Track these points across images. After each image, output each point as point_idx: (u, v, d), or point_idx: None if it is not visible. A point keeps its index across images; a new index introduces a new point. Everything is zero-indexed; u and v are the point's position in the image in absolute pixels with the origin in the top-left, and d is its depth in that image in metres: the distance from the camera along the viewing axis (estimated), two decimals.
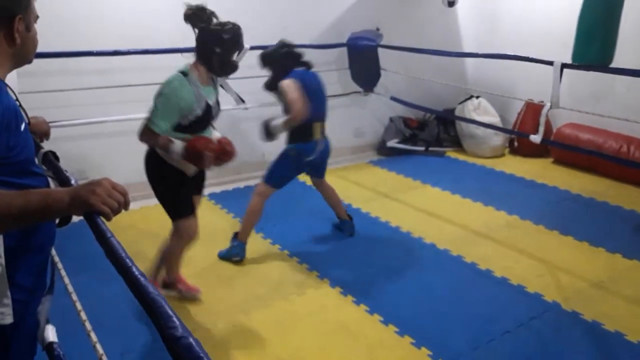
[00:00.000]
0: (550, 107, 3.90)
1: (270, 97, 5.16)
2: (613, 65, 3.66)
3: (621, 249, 3.64)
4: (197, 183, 2.97)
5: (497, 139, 5.77)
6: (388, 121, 6.15)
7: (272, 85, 3.53)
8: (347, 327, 2.86)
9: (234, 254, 3.59)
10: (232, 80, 4.91)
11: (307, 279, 3.35)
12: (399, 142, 6.01)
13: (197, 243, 3.82)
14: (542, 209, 4.38)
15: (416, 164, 5.65)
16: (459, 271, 3.45)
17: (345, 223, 3.98)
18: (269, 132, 3.48)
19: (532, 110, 5.53)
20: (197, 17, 2.66)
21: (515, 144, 5.85)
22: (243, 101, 5.00)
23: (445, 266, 3.53)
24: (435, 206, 4.51)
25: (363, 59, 5.54)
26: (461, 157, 5.90)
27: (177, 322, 0.87)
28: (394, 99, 5.51)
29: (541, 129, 4.16)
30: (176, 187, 2.79)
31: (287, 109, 3.41)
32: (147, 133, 2.64)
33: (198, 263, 3.57)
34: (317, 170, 3.87)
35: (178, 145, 2.62)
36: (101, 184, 1.19)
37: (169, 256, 2.97)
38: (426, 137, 6.08)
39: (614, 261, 3.53)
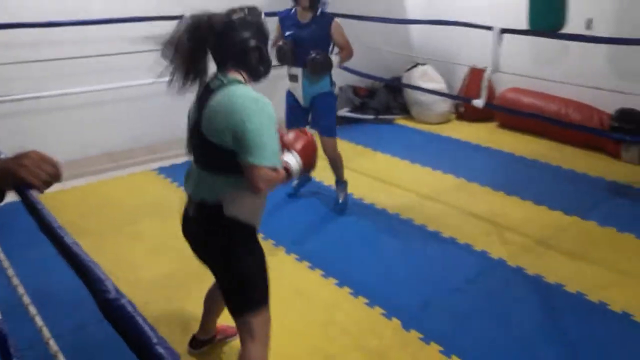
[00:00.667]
0: (491, 72, 4.01)
1: None
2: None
3: (562, 206, 3.83)
4: None
5: (444, 105, 5.88)
6: (337, 90, 6.13)
7: (314, 5, 3.54)
8: (303, 292, 2.89)
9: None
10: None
11: (263, 247, 3.34)
12: (349, 111, 6.03)
13: (150, 218, 3.76)
14: (488, 172, 4.53)
15: (366, 132, 5.70)
16: (409, 233, 3.54)
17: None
18: (322, 67, 3.50)
19: (476, 75, 5.64)
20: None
21: (461, 109, 6.00)
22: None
23: (396, 229, 3.61)
24: (385, 172, 4.58)
25: None
26: (410, 124, 5.99)
27: (110, 286, 0.86)
28: (342, 67, 5.48)
29: (483, 93, 4.28)
30: (260, 259, 1.96)
31: (340, 46, 3.61)
32: (268, 177, 1.72)
33: (152, 239, 3.50)
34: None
35: (292, 159, 1.92)
36: (29, 156, 1.13)
37: None
38: (375, 105, 6.13)
39: (555, 218, 3.71)
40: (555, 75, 4.64)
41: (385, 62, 6.19)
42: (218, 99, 1.75)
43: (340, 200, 3.86)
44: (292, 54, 3.53)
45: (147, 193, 4.22)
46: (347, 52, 3.61)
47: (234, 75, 1.82)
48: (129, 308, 0.82)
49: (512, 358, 2.40)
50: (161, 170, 4.64)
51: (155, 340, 0.75)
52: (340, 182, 3.88)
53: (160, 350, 0.74)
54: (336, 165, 3.82)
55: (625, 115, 4.74)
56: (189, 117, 1.89)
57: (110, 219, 3.71)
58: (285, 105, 3.76)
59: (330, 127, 3.70)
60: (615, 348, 2.46)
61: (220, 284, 1.98)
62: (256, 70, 1.88)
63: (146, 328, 0.77)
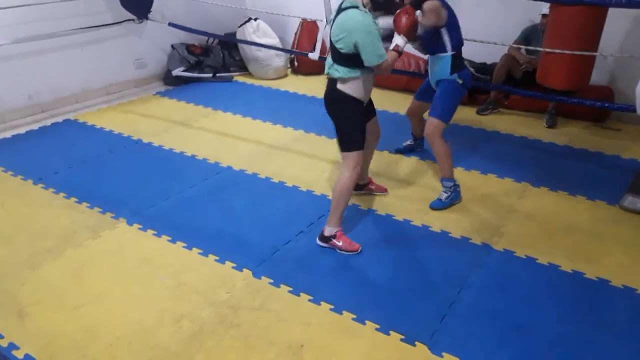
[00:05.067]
0: (326, 25, 4.16)
1: (29, 30, 4.55)
2: None
3: (387, 146, 4.19)
4: (369, 109, 3.09)
5: (279, 60, 5.98)
6: (170, 49, 5.90)
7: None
8: (150, 260, 2.85)
9: (456, 196, 3.42)
10: None
11: (101, 221, 3.20)
12: (185, 71, 5.85)
13: None
14: (323, 122, 4.62)
15: (205, 91, 5.61)
16: (255, 187, 3.64)
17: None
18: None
19: (307, 29, 5.85)
20: None
21: (296, 64, 6.16)
22: None
23: (242, 185, 3.68)
24: (228, 130, 4.59)
25: None
26: (248, 80, 6.02)
27: None
28: (172, 25, 5.27)
29: (318, 45, 4.46)
30: (359, 119, 2.89)
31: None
32: (381, 68, 2.72)
33: None
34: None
35: (396, 39, 2.82)
36: None
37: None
38: (212, 63, 6.02)
39: (383, 157, 4.07)
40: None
41: (216, 17, 6.06)
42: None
43: (441, 198, 3.40)
44: None
45: None
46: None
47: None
48: None
49: (353, 288, 2.66)
50: None
51: None
52: (444, 179, 3.41)
53: None
54: (436, 154, 3.39)
55: None
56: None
57: None
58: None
59: (440, 112, 3.32)
60: (440, 260, 2.87)
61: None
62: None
63: None
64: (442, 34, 3.26)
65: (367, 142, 3.07)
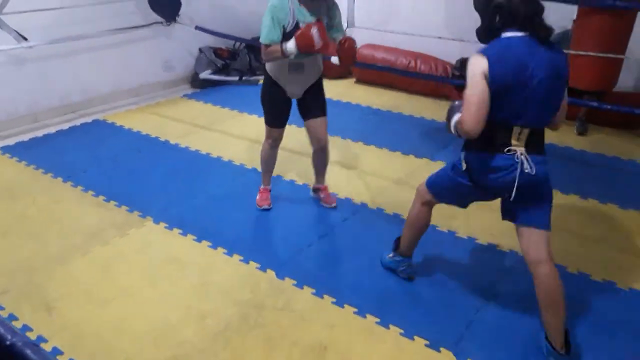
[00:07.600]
0: (347, 27, 4.19)
1: (61, 31, 4.67)
2: None
3: (414, 150, 4.19)
4: (309, 106, 3.16)
5: None
6: (198, 52, 5.98)
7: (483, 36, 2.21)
8: (176, 258, 2.87)
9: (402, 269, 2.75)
10: (8, 16, 4.28)
11: (128, 219, 3.24)
12: (212, 74, 5.91)
13: None
14: (347, 125, 4.77)
15: (231, 94, 5.65)
16: (280, 189, 3.64)
17: None
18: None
19: None
20: None
21: None
22: (25, 39, 4.39)
23: None
24: (253, 133, 4.60)
25: None
26: None
27: None
28: (199, 28, 5.34)
29: None
30: (269, 99, 3.08)
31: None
32: (262, 50, 2.83)
33: (2, 221, 3.21)
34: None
35: (290, 42, 2.72)
36: None
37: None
38: (238, 66, 6.07)
39: (409, 161, 4.06)
40: (404, 29, 4.96)
41: (243, 21, 6.12)
42: None
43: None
44: None
45: None
46: (461, 119, 2.13)
47: None
48: None
49: (377, 291, 2.63)
50: (5, 149, 4.22)
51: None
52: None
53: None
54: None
55: (465, 64, 5.23)
56: None
57: None
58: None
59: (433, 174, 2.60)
60: (467, 267, 2.82)
61: None
62: None
63: None
64: None
65: (311, 142, 3.26)
